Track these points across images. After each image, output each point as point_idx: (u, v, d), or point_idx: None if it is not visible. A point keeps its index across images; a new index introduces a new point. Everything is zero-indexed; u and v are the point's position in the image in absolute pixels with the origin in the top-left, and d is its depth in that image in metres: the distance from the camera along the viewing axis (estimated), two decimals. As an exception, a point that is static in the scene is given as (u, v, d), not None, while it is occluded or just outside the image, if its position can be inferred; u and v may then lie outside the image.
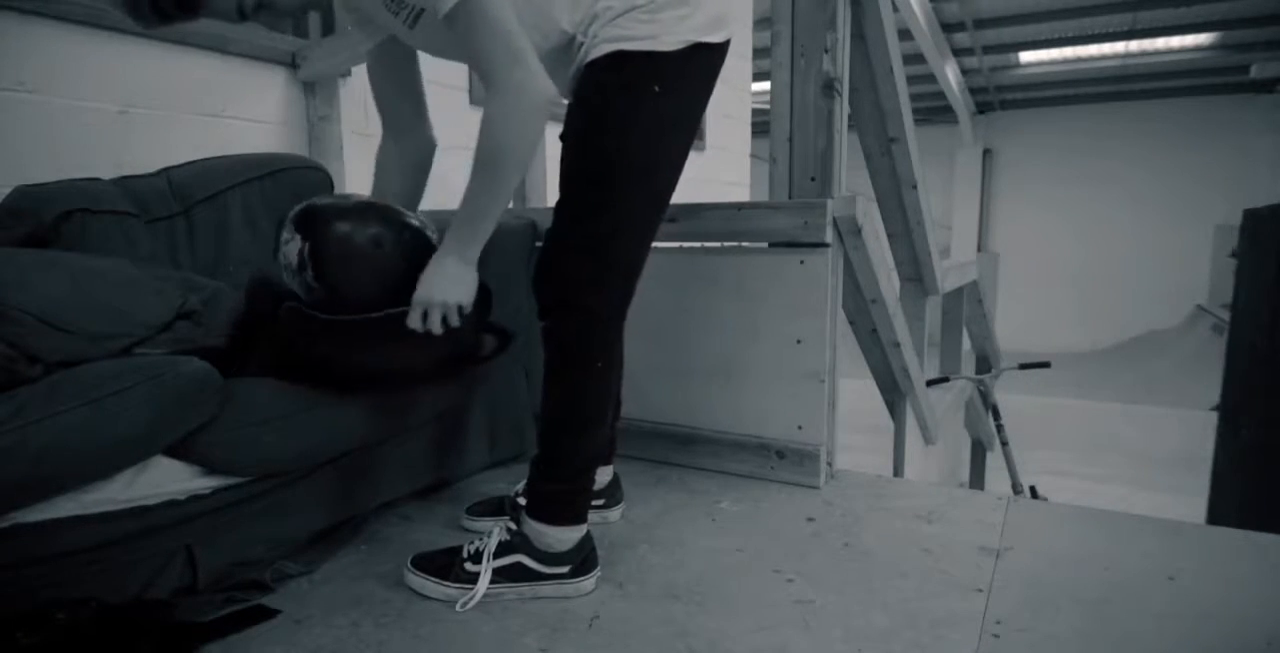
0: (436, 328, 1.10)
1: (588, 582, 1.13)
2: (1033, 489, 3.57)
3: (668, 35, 1.07)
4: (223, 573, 1.10)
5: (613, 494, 1.39)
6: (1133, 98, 10.35)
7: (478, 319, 1.33)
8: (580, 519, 1.14)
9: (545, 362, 1.13)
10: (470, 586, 1.09)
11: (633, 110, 1.08)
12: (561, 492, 1.13)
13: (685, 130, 1.15)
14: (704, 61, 1.13)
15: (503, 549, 1.11)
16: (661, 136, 1.11)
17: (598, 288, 1.11)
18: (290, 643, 0.98)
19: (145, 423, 0.96)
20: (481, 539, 1.14)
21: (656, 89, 1.07)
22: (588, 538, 1.15)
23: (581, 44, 1.11)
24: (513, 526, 1.14)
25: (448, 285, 1.09)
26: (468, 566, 1.10)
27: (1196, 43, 8.11)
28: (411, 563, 1.13)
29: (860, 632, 1.01)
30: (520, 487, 1.29)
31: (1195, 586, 1.12)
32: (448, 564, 1.11)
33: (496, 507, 1.36)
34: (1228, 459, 2.79)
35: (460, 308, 1.11)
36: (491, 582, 1.09)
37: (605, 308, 1.12)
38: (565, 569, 1.12)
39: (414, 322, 1.09)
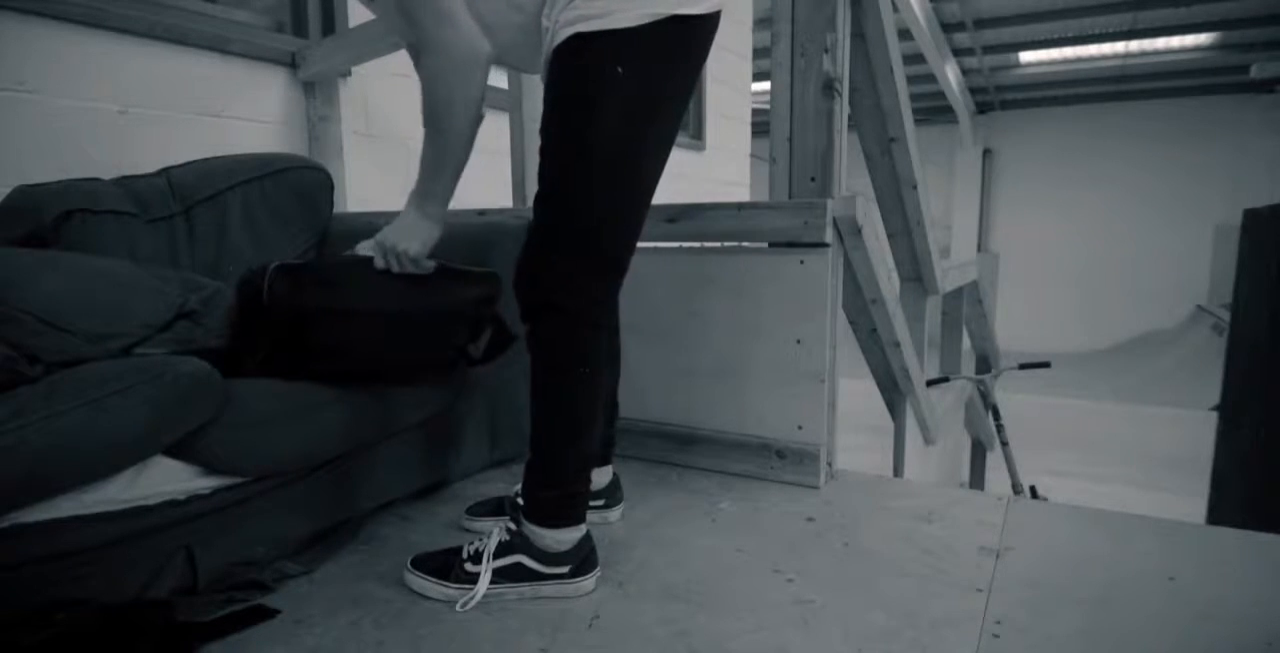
0: (394, 268, 1.20)
1: (588, 582, 1.13)
2: (1033, 489, 3.57)
3: (625, 10, 1.01)
4: (223, 573, 1.10)
5: (613, 494, 1.39)
6: (1132, 98, 10.36)
7: (475, 321, 1.33)
8: (578, 520, 1.14)
9: (531, 366, 1.11)
10: (470, 586, 1.09)
11: (597, 96, 1.02)
12: (557, 496, 1.12)
13: (663, 113, 1.09)
14: (678, 36, 1.05)
15: (502, 550, 1.11)
16: (633, 122, 1.05)
17: (581, 288, 1.07)
18: (290, 643, 0.98)
19: (145, 423, 0.96)
20: (481, 540, 1.14)
21: (620, 70, 1.01)
22: (587, 538, 1.15)
23: (548, 29, 1.08)
24: (512, 526, 1.14)
25: (399, 233, 1.17)
26: (468, 566, 1.10)
27: (1196, 43, 8.12)
28: (411, 564, 1.13)
29: (860, 632, 1.01)
30: (519, 487, 1.29)
31: (1195, 586, 1.12)
32: (447, 565, 1.11)
33: (496, 507, 1.36)
34: (1228, 459, 2.79)
35: (411, 256, 1.18)
36: (492, 582, 1.09)
37: (591, 309, 1.09)
38: (565, 569, 1.11)
39: (377, 262, 1.20)
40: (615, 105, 1.03)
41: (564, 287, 1.07)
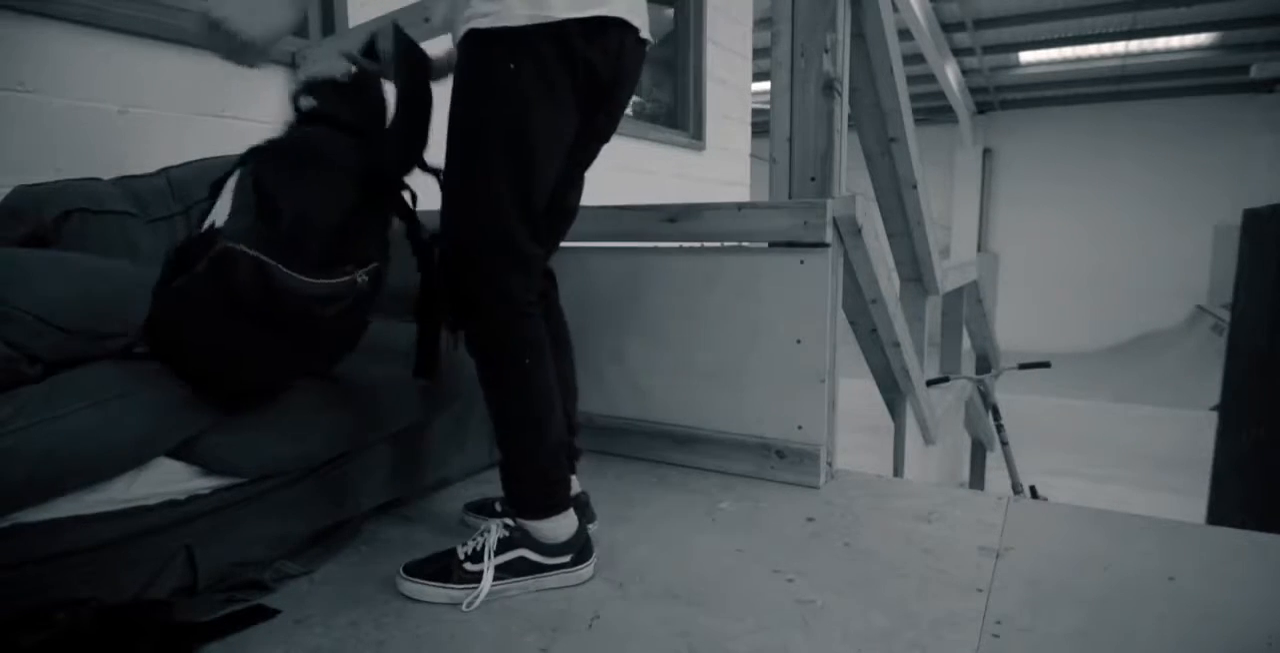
0: (220, 51, 1.01)
1: (587, 569, 1.14)
2: (1033, 489, 3.56)
3: (515, 9, 1.01)
4: (223, 573, 1.10)
5: (582, 513, 1.26)
6: (1133, 98, 10.36)
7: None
8: (564, 507, 1.15)
9: (476, 367, 1.12)
10: (474, 585, 1.08)
11: (492, 90, 1.04)
12: (534, 487, 1.13)
13: (556, 111, 1.08)
14: (570, 37, 1.04)
15: (504, 546, 1.11)
16: (526, 116, 1.05)
17: (500, 282, 1.07)
18: (290, 643, 0.98)
19: (146, 427, 0.96)
20: (477, 539, 1.13)
21: (511, 67, 1.03)
22: (582, 526, 1.16)
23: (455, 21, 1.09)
24: (510, 521, 1.14)
25: (239, 5, 0.99)
26: (468, 566, 1.10)
27: (1196, 43, 8.12)
28: (405, 571, 1.12)
29: (860, 632, 1.01)
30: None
31: (1195, 586, 1.12)
32: (446, 566, 1.11)
33: (489, 506, 1.36)
34: (1228, 459, 2.79)
35: (245, 42, 1.00)
36: (495, 579, 1.09)
37: (516, 301, 1.09)
38: (567, 558, 1.12)
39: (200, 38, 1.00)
40: (506, 99, 1.04)
41: (485, 284, 1.07)
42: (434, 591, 1.09)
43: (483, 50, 1.04)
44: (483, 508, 1.38)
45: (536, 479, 1.13)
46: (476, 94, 1.05)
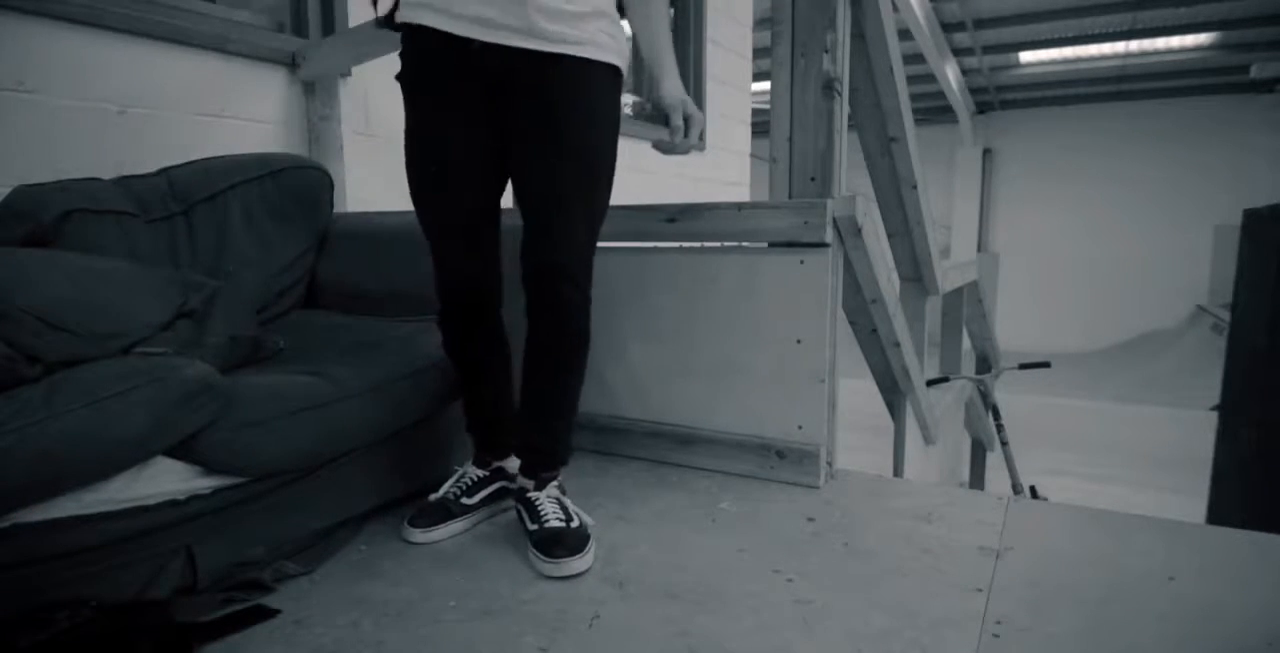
0: (689, 137, 1.27)
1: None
2: (1033, 489, 3.57)
3: (624, 52, 1.27)
4: (223, 573, 1.10)
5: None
6: (1133, 97, 10.36)
7: None
8: None
9: (566, 352, 1.26)
10: (588, 540, 1.23)
11: (611, 121, 1.28)
12: (569, 442, 1.34)
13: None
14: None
15: (562, 491, 1.32)
16: (617, 144, 1.29)
17: (590, 278, 1.25)
18: (290, 643, 0.98)
19: (146, 426, 0.96)
20: (554, 506, 1.26)
21: (619, 100, 1.29)
22: None
23: (576, 38, 1.24)
24: (558, 481, 1.31)
25: (687, 99, 1.28)
26: (574, 524, 1.24)
27: (1196, 43, 8.12)
28: (552, 557, 1.18)
29: (860, 632, 1.01)
30: (449, 490, 1.38)
31: (1195, 586, 1.12)
32: (572, 536, 1.21)
33: (445, 512, 1.35)
34: (1228, 459, 2.79)
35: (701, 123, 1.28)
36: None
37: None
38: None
39: (677, 121, 1.25)
40: (617, 129, 1.26)
41: (586, 283, 1.24)
42: (584, 558, 1.19)
43: (614, 83, 1.23)
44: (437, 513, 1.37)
45: (571, 430, 1.35)
46: (606, 122, 1.22)
